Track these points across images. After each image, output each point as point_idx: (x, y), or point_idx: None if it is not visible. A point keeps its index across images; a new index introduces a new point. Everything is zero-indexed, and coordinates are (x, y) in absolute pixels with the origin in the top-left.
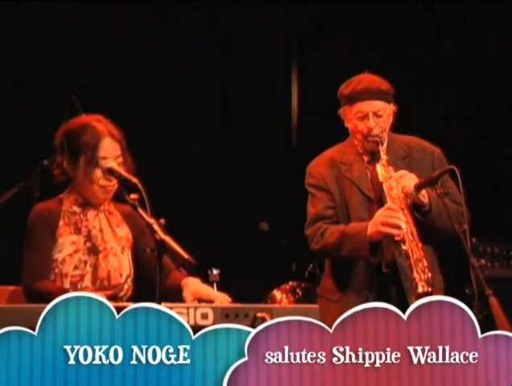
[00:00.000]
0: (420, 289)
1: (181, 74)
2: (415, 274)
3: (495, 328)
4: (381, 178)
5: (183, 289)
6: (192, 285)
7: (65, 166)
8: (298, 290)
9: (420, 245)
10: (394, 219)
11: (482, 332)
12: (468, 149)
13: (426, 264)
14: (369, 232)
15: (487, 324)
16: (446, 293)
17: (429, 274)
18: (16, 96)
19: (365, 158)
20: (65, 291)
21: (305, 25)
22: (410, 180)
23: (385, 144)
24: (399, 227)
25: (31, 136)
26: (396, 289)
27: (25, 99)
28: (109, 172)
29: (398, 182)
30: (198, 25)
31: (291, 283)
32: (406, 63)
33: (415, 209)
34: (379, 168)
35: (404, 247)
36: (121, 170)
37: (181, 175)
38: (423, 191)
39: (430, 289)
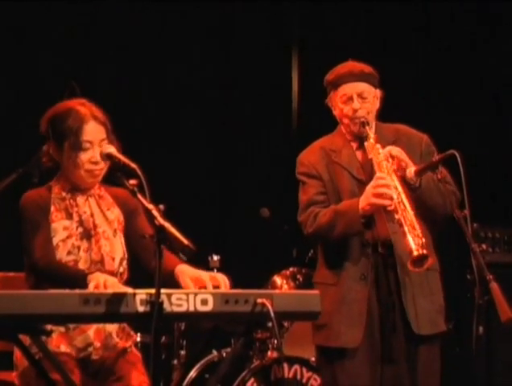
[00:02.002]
0: (415, 253)
1: (182, 60)
2: (409, 239)
3: (496, 313)
4: (370, 155)
5: (180, 277)
6: (191, 271)
7: (51, 152)
8: (298, 276)
9: (413, 212)
10: (384, 189)
11: (483, 317)
12: (468, 133)
13: (420, 230)
14: (361, 206)
15: (488, 309)
16: (442, 277)
17: (423, 239)
18: (16, 83)
19: (354, 145)
20: (82, 274)
21: (306, 10)
22: (398, 150)
23: (373, 128)
24: (390, 198)
25: (31, 122)
26: (394, 267)
27: (25, 85)
28: (108, 157)
29: (387, 153)
30: (200, 12)
31: (291, 269)
32: (406, 53)
33: (405, 185)
34: (368, 145)
35: (397, 216)
36: (121, 156)
37: (181, 161)
38: (409, 161)
39: (425, 252)
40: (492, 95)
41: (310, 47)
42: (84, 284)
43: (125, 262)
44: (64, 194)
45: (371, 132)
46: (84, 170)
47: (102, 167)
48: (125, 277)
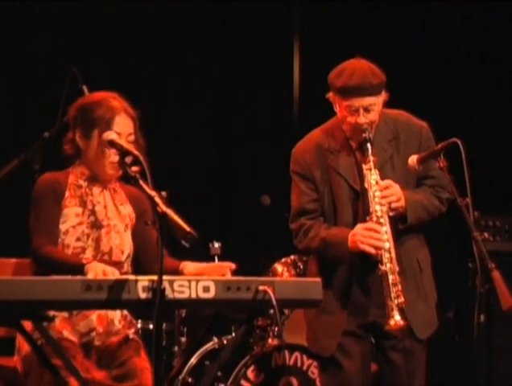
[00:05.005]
0: (392, 323)
1: (182, 51)
2: (389, 302)
3: (497, 302)
4: (366, 185)
5: (185, 269)
6: (193, 265)
7: (77, 139)
8: (299, 264)
9: (397, 269)
10: (374, 241)
11: (485, 306)
12: (469, 121)
13: (400, 288)
14: (350, 244)
15: (489, 298)
16: (434, 268)
17: (402, 299)
18: (16, 68)
19: (353, 144)
20: (80, 263)
21: (307, 0)
22: (393, 195)
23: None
24: (379, 248)
25: (32, 108)
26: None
27: (25, 71)
28: (110, 144)
29: (383, 196)
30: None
31: (292, 256)
32: (407, 43)
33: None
34: (366, 172)
35: (382, 267)
36: (123, 143)
37: (183, 149)
38: (402, 201)
39: (402, 323)
40: (494, 80)
41: (311, 38)
42: (81, 274)
43: (130, 259)
44: (81, 182)
45: (371, 152)
46: (109, 161)
47: None
48: (129, 273)
